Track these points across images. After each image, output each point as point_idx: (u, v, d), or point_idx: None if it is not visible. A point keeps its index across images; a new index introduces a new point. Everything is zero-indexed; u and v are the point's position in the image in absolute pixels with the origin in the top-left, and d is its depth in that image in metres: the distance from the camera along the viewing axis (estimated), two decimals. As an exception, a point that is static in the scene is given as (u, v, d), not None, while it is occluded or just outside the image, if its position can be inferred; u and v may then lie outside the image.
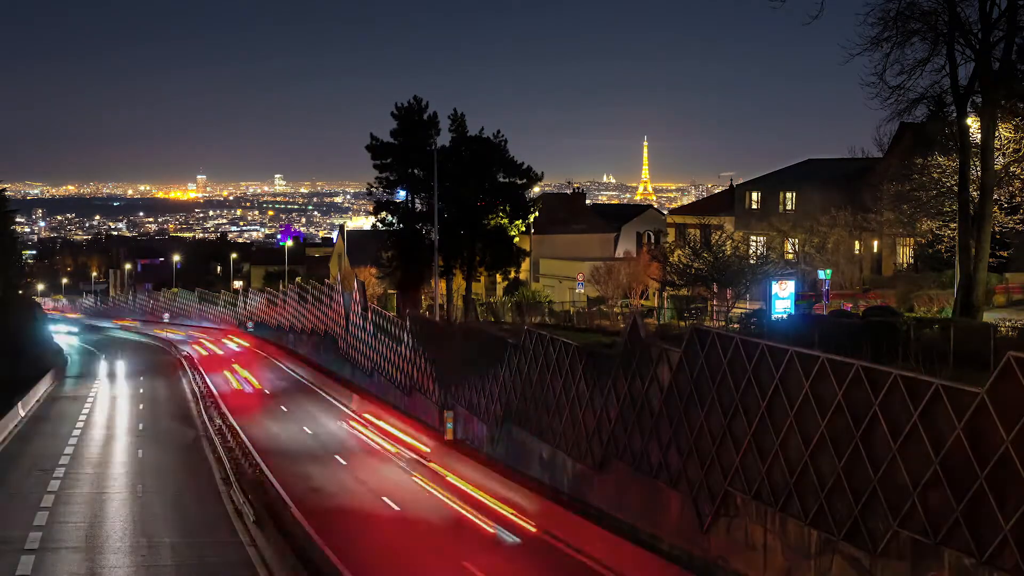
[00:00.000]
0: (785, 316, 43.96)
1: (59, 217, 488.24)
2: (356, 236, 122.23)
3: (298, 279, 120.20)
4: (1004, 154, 45.56)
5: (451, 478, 44.36)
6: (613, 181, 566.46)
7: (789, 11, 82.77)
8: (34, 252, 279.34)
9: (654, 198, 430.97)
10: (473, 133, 79.46)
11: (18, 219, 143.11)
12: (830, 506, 25.54)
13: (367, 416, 60.07)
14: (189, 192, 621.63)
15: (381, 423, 57.41)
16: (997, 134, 43.00)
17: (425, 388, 56.65)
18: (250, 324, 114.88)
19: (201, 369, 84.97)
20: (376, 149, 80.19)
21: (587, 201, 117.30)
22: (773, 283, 46.75)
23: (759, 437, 28.12)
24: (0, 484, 45.26)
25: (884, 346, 30.09)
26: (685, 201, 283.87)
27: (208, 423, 58.77)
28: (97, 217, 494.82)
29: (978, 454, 21.51)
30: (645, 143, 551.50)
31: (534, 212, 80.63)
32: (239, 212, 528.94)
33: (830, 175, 72.77)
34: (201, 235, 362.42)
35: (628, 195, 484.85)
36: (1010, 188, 47.37)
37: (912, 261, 64.90)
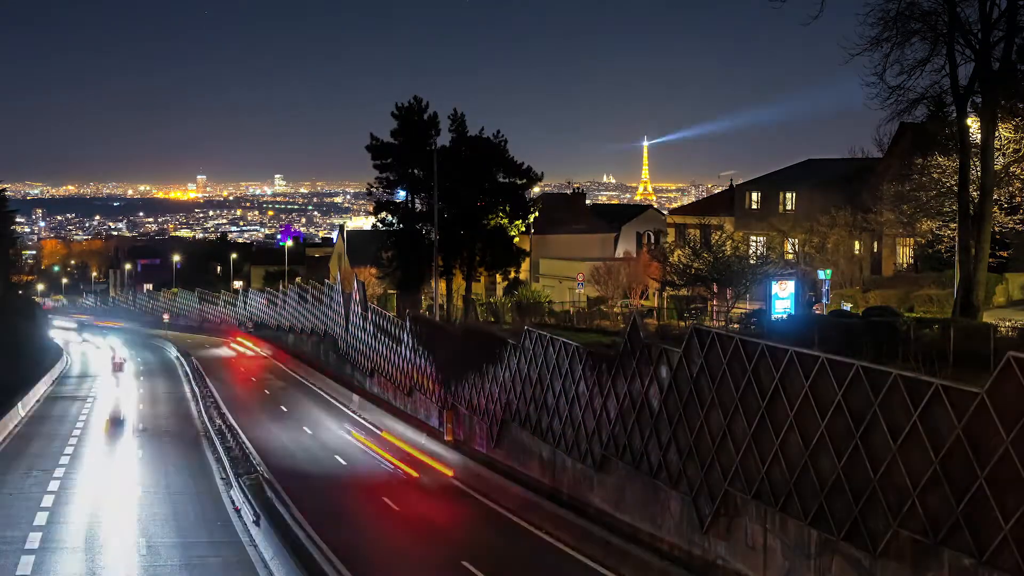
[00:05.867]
0: (785, 316, 43.94)
1: (59, 217, 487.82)
2: (356, 236, 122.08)
3: (298, 279, 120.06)
4: (1004, 154, 45.56)
5: None
6: (613, 181, 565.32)
7: (789, 11, 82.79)
8: (34, 252, 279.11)
9: (654, 198, 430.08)
10: (473, 133, 79.48)
11: (18, 219, 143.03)
12: (830, 506, 25.53)
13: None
14: (189, 192, 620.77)
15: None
16: (997, 134, 43.02)
17: (425, 388, 56.65)
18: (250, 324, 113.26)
19: None
20: (376, 149, 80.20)
21: (587, 201, 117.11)
22: (773, 283, 46.70)
23: (759, 437, 28.11)
24: (0, 484, 45.26)
25: (884, 346, 30.09)
26: (685, 201, 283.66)
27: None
28: (97, 217, 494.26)
29: (978, 454, 21.50)
30: (645, 143, 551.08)
31: (534, 212, 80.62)
32: (239, 212, 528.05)
33: (830, 175, 72.75)
34: (201, 235, 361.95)
35: (628, 195, 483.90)
36: (1010, 188, 47.35)
37: (912, 261, 64.86)
